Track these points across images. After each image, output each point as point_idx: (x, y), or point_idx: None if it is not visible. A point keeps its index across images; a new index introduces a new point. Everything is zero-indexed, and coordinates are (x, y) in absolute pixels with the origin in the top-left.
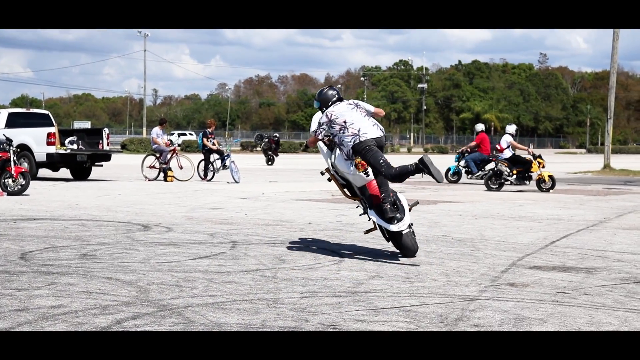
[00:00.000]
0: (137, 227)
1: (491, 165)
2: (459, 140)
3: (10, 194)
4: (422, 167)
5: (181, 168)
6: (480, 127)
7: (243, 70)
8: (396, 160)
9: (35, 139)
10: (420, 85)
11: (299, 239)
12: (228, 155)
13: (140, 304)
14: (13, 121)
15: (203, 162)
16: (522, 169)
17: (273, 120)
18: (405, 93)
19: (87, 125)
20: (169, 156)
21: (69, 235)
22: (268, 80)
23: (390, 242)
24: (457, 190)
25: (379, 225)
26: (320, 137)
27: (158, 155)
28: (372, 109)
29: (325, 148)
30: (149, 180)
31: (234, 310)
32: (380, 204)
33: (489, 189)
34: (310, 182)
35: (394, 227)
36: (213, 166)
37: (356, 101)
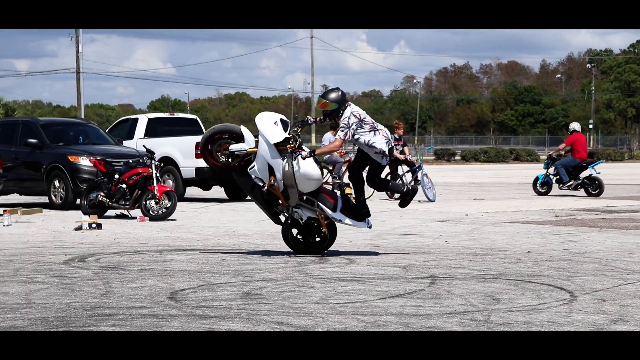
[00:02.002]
0: (310, 259)
1: (587, 172)
2: None
3: (153, 219)
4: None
5: None
6: (574, 126)
7: (435, 59)
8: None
9: (182, 150)
10: None
11: (515, 272)
12: (420, 167)
13: None
14: (154, 129)
15: (389, 176)
16: None
17: (475, 121)
18: None
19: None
20: (343, 169)
21: (227, 269)
22: (467, 70)
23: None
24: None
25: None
26: (348, 138)
27: (331, 167)
28: None
29: (271, 153)
30: None
31: None
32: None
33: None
34: (525, 198)
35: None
36: (402, 180)
37: None
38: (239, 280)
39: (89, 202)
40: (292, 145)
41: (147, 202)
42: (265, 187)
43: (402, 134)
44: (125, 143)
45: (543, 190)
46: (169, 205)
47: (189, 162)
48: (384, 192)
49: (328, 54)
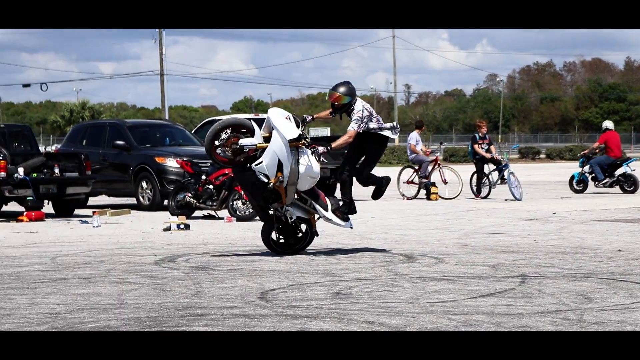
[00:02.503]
0: (398, 258)
1: (622, 169)
2: None
3: (240, 219)
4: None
5: (446, 183)
6: (607, 124)
7: (518, 57)
8: None
9: None
10: None
11: (606, 270)
12: (506, 166)
13: None
14: None
15: (475, 175)
16: None
17: (559, 119)
18: None
19: (325, 132)
20: (430, 168)
21: (316, 269)
22: (550, 68)
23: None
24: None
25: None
26: (360, 131)
27: (417, 167)
28: None
29: (285, 149)
30: (408, 199)
31: None
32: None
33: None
34: (614, 197)
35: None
36: (489, 179)
37: None
38: (328, 280)
39: (177, 203)
40: (304, 143)
41: (234, 202)
42: (272, 184)
43: (485, 133)
44: None
45: (579, 188)
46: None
47: None
48: (471, 191)
49: (410, 53)
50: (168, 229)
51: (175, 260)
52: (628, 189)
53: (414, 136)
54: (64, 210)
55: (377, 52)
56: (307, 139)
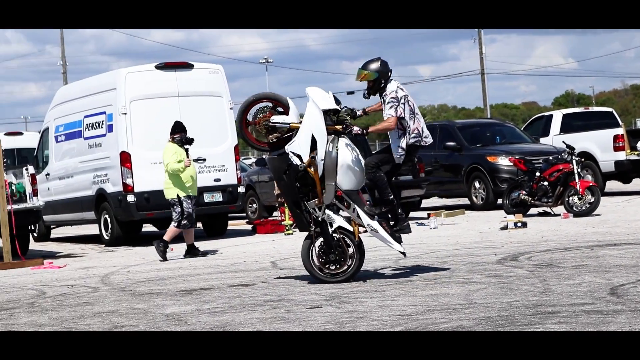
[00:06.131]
0: None
1: None
2: None
3: (577, 214)
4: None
5: None
6: None
7: None
8: None
9: (599, 144)
10: None
11: None
12: None
13: None
14: (569, 124)
15: None
16: None
17: None
18: None
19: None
20: None
21: None
22: None
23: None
24: None
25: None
26: (401, 114)
27: None
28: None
29: (320, 123)
30: None
31: None
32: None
33: None
34: None
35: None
36: None
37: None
38: None
39: (511, 201)
40: (343, 127)
41: (570, 198)
42: (303, 165)
43: None
44: (541, 140)
45: None
46: (592, 200)
47: (607, 155)
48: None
49: None
50: (505, 227)
51: (518, 259)
52: None
53: None
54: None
55: None
56: (346, 121)
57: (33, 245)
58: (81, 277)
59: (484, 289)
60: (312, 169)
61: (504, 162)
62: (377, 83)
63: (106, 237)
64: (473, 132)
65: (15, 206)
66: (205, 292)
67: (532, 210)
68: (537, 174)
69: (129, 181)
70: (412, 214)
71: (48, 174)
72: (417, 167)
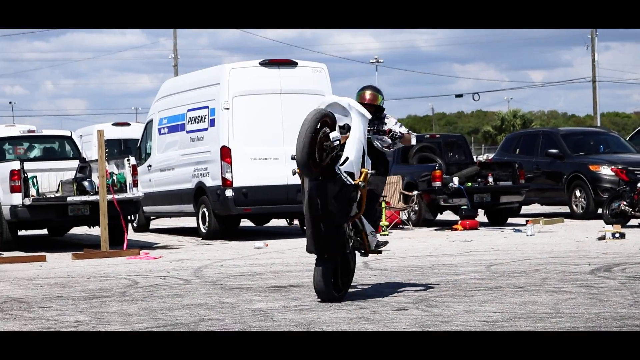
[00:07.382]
0: None
1: None
2: None
3: None
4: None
5: None
6: None
7: None
8: None
9: None
10: None
11: None
12: None
13: None
14: None
15: None
16: None
17: None
18: None
19: None
20: None
21: None
22: None
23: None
24: None
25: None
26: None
27: None
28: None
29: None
30: None
31: None
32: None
33: None
34: None
35: None
36: None
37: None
38: None
39: (611, 211)
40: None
41: None
42: (362, 184)
43: None
44: None
45: None
46: None
47: None
48: None
49: None
50: (603, 237)
51: (612, 270)
52: None
53: None
54: (497, 218)
55: None
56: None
57: (132, 236)
58: (174, 268)
59: (573, 298)
60: (362, 186)
61: (606, 171)
62: (378, 110)
63: (203, 231)
64: (576, 140)
65: (115, 196)
66: (295, 289)
67: (632, 222)
68: (639, 185)
69: (228, 176)
70: (510, 220)
71: (150, 166)
72: (517, 173)
